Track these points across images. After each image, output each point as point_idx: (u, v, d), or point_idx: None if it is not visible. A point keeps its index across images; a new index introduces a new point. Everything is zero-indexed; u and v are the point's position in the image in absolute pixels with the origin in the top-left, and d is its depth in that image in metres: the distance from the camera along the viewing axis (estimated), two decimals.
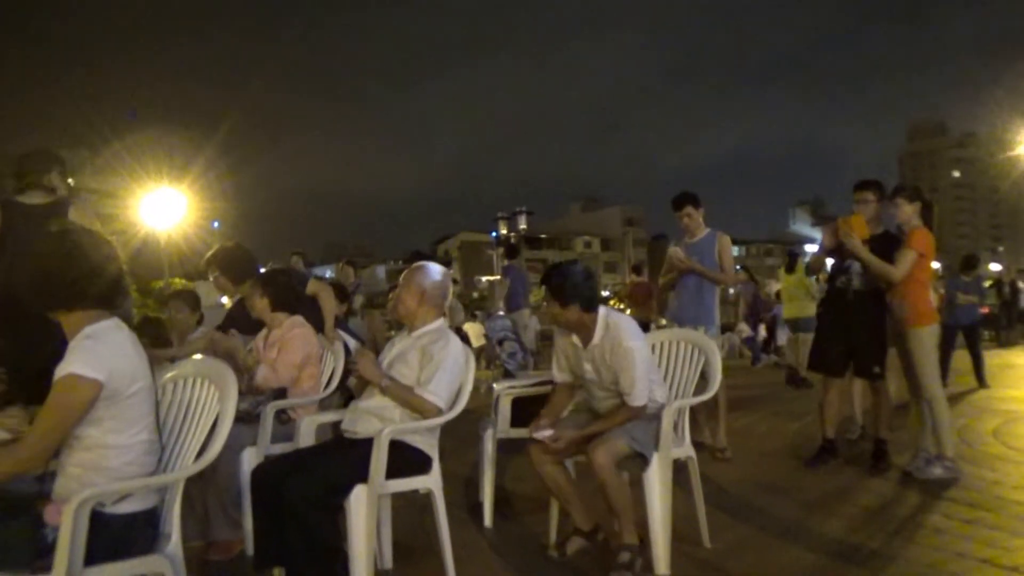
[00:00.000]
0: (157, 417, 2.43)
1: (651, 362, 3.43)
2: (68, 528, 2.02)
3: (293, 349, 3.97)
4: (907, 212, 4.71)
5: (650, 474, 3.18)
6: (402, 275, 3.48)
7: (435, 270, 3.41)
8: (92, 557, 2.10)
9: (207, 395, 2.58)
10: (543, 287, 3.43)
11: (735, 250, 6.06)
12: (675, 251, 5.47)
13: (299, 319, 4.13)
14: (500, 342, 8.41)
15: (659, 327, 11.85)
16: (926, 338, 4.63)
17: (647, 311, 14.14)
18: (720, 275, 5.42)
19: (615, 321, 3.36)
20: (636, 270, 14.59)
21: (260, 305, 4.11)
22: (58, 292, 2.26)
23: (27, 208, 3.81)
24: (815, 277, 6.58)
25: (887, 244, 4.71)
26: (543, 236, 74.88)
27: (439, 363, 3.16)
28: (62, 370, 2.16)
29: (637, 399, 3.26)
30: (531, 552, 3.56)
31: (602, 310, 3.41)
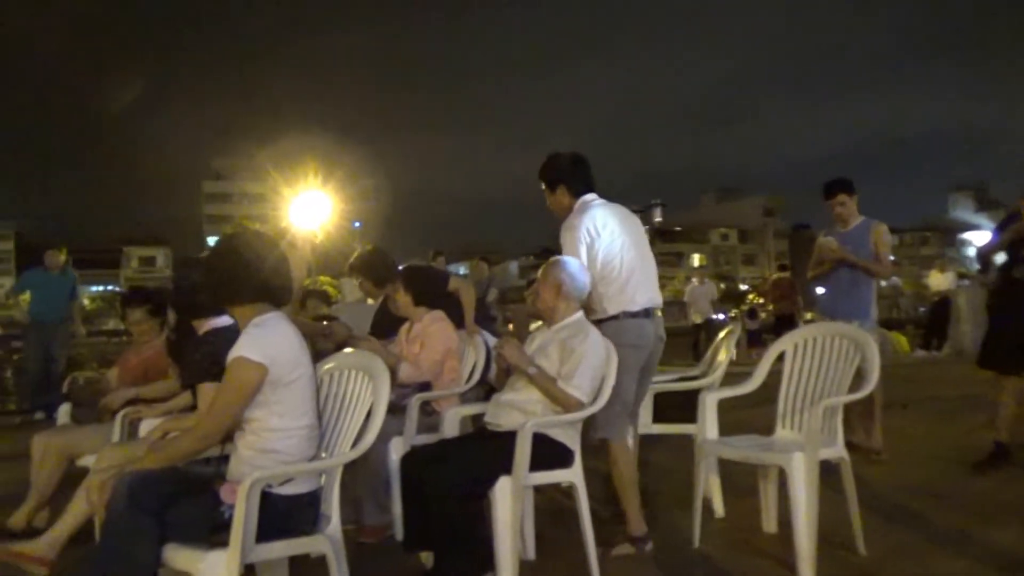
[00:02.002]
0: (317, 406, 2.60)
1: (589, 257, 3.40)
2: (242, 506, 2.18)
3: (434, 344, 4.09)
4: None
5: (795, 475, 3.06)
6: (540, 270, 3.52)
7: (572, 264, 3.41)
8: (262, 534, 2.25)
9: (362, 386, 2.71)
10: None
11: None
12: (827, 241, 5.23)
13: (439, 313, 4.25)
14: None
15: (805, 322, 11.44)
16: None
17: (790, 306, 13.71)
18: (876, 266, 5.13)
19: (581, 206, 3.48)
20: (783, 268, 14.32)
21: (404, 300, 4.26)
22: (223, 285, 2.51)
23: None
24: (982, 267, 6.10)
25: None
26: (677, 229, 73.44)
27: (580, 356, 3.17)
28: (233, 354, 2.39)
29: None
30: (674, 549, 3.51)
31: (587, 197, 3.49)
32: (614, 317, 3.41)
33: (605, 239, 3.39)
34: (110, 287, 59.27)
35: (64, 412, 4.33)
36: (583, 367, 3.16)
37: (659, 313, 3.55)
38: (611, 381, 3.25)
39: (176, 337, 3.88)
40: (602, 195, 3.61)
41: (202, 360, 3.10)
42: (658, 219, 23.34)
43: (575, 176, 3.53)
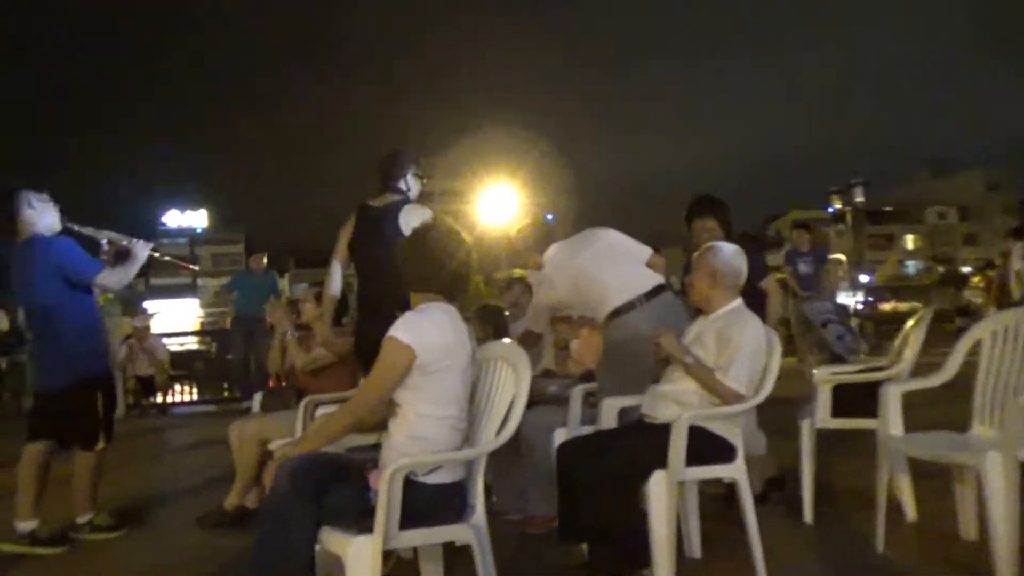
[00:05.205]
0: (471, 400, 2.66)
1: (560, 297, 4.02)
2: (385, 492, 2.27)
3: (595, 331, 4.04)
4: None
5: (990, 476, 2.73)
6: (692, 259, 3.39)
7: (726, 250, 3.26)
8: (408, 521, 2.34)
9: (507, 377, 2.73)
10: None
11: None
12: None
13: None
14: (824, 324, 7.77)
15: None
16: None
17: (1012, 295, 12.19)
18: None
19: (544, 261, 4.04)
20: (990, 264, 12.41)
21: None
22: (411, 274, 2.65)
23: (371, 210, 4.22)
24: None
25: None
26: (887, 209, 68.03)
27: (738, 346, 3.02)
28: (387, 334, 2.51)
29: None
30: (853, 552, 3.30)
31: (548, 253, 4.05)
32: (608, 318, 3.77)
33: (568, 277, 3.90)
34: None
35: (257, 400, 4.73)
36: (740, 357, 3.00)
37: (655, 297, 3.76)
38: (774, 372, 3.07)
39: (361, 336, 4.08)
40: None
41: None
42: (859, 199, 21.44)
43: (538, 242, 4.14)
